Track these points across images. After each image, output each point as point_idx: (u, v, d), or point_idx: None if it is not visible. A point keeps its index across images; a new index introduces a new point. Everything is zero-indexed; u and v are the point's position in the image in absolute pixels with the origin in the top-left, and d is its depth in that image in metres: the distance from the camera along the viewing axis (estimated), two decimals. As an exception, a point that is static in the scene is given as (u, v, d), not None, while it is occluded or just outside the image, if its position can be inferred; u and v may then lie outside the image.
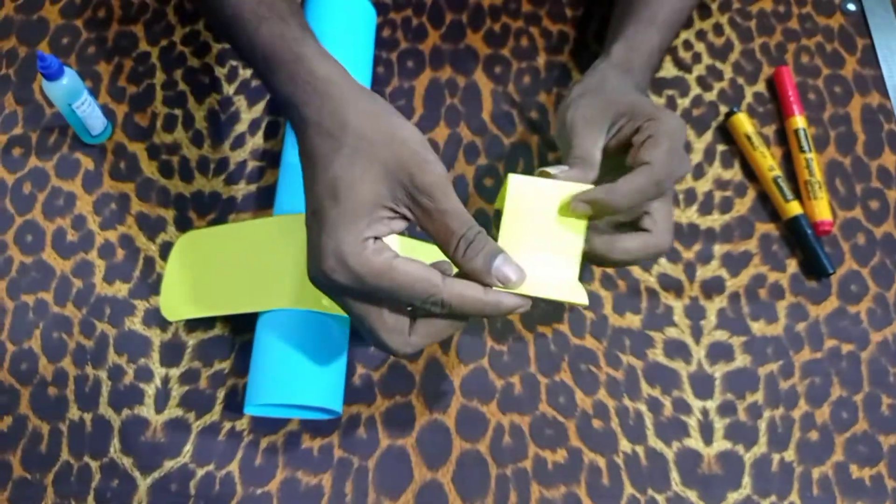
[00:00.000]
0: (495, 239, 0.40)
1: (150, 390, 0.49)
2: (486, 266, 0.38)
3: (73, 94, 0.51)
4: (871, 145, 0.60)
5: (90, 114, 0.53)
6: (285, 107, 0.41)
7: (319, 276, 0.37)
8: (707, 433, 0.49)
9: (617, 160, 0.45)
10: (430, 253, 0.52)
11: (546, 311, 0.52)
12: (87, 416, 0.48)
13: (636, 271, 0.54)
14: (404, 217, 0.38)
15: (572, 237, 0.42)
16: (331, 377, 0.46)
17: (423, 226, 0.38)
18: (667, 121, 0.43)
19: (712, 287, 0.54)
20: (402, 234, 0.53)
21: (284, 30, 0.41)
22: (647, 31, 0.51)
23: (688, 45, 0.63)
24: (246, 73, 0.60)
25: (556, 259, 0.42)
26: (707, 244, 0.55)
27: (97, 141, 0.56)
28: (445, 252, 0.38)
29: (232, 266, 0.50)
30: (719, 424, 0.50)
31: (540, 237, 0.42)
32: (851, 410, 0.51)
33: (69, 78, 0.51)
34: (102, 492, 0.46)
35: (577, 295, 0.41)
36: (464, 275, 0.39)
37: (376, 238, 0.37)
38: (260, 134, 0.57)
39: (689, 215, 0.56)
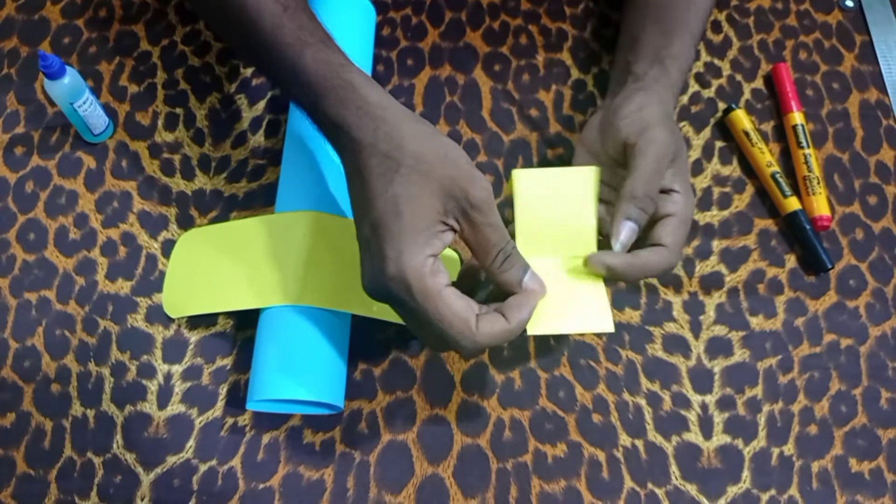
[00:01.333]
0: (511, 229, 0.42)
1: (152, 387, 0.49)
2: (518, 278, 0.41)
3: (74, 94, 0.52)
4: (870, 141, 0.60)
5: (92, 113, 0.54)
6: (332, 129, 0.41)
7: (378, 284, 0.39)
8: (706, 427, 0.50)
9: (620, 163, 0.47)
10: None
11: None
12: (90, 413, 0.48)
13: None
14: (453, 229, 0.40)
15: (585, 215, 0.44)
16: (332, 373, 0.46)
17: (465, 237, 0.40)
18: (689, 205, 0.46)
19: (711, 282, 0.54)
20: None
21: (329, 55, 0.42)
22: (691, 50, 0.52)
23: (686, 43, 0.63)
24: (246, 72, 0.60)
25: (574, 248, 0.44)
26: (706, 240, 0.55)
27: (99, 140, 0.56)
28: (482, 261, 0.41)
29: (234, 263, 0.50)
30: (719, 419, 0.50)
31: (554, 222, 0.44)
32: (850, 404, 0.51)
33: (70, 77, 0.51)
34: (106, 487, 0.47)
35: (602, 323, 0.43)
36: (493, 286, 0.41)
37: (434, 257, 0.39)
38: (261, 132, 0.58)
39: (688, 211, 0.56)
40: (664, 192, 0.46)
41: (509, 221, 0.43)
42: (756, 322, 0.53)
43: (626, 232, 0.44)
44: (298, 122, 0.53)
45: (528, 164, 0.58)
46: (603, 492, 0.47)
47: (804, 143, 0.57)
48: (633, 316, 0.53)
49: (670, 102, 0.49)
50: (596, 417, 0.49)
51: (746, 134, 0.58)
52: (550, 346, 0.51)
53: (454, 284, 0.40)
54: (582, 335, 0.52)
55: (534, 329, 0.42)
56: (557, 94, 0.60)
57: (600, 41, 0.63)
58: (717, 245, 0.55)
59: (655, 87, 0.49)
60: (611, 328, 0.42)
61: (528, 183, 0.44)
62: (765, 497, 0.48)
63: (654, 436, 0.49)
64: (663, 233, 0.45)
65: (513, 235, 0.44)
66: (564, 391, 0.50)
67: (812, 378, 0.51)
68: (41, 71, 0.50)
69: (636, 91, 0.49)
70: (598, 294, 0.44)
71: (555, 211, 0.44)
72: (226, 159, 0.57)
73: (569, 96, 0.60)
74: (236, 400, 0.49)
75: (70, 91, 0.51)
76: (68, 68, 0.51)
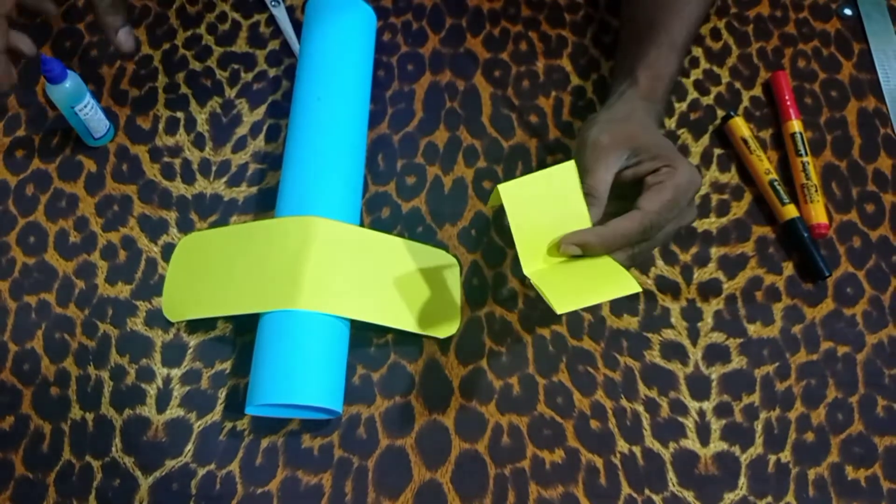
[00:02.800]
0: (504, 244, 0.42)
1: (151, 390, 0.49)
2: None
3: (75, 97, 0.52)
4: (867, 149, 0.60)
5: (92, 117, 0.54)
6: None
7: None
8: (704, 434, 0.50)
9: (629, 189, 0.47)
10: (431, 255, 0.53)
11: (545, 312, 0.52)
12: (89, 416, 0.49)
13: (633, 273, 0.54)
14: None
15: (575, 208, 0.45)
16: (331, 377, 0.46)
17: None
18: (682, 173, 0.46)
19: (709, 289, 0.54)
20: (402, 236, 0.54)
21: None
22: (670, 57, 0.53)
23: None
24: (248, 76, 0.60)
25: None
26: (704, 247, 0.56)
27: (99, 143, 0.56)
28: None
29: (233, 267, 0.50)
30: (716, 425, 0.50)
31: (548, 223, 0.44)
32: (847, 412, 0.51)
33: (72, 81, 0.51)
34: (104, 491, 0.47)
35: (627, 285, 0.42)
36: None
37: None
38: (261, 137, 0.58)
39: (687, 218, 0.57)
40: (654, 171, 0.46)
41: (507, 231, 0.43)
42: (754, 329, 0.53)
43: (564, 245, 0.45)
44: (299, 127, 0.53)
45: (527, 169, 0.58)
46: (600, 498, 0.48)
47: (802, 151, 0.58)
48: (631, 322, 0.53)
49: (638, 109, 0.50)
50: (594, 424, 0.50)
51: (745, 141, 0.58)
52: (549, 352, 0.51)
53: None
54: (580, 340, 0.52)
55: (561, 307, 0.39)
56: (557, 101, 0.61)
57: (600, 48, 0.63)
58: (715, 252, 0.56)
59: (618, 102, 0.51)
60: (637, 288, 0.41)
61: (514, 194, 0.44)
62: (761, 504, 0.48)
63: (651, 442, 0.49)
64: (642, 197, 0.45)
65: (512, 247, 0.44)
66: (562, 397, 0.50)
67: (809, 385, 0.52)
68: (42, 75, 0.50)
69: (603, 111, 0.51)
70: (611, 266, 0.44)
71: (546, 213, 0.45)
72: (226, 163, 0.57)
73: (568, 102, 0.61)
74: (235, 404, 0.49)
75: (71, 95, 0.51)
76: (69, 72, 0.51)
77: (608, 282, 0.42)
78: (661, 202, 0.45)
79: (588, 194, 0.46)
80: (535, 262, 0.44)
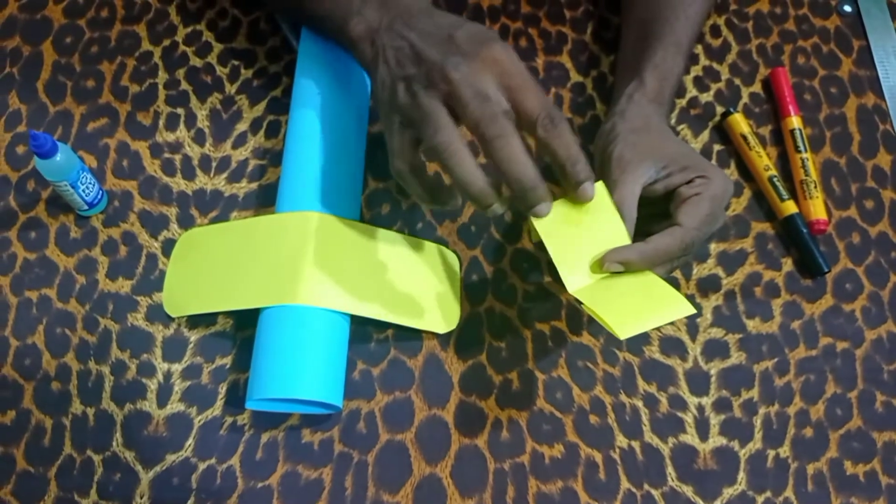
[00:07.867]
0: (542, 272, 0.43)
1: (152, 385, 0.49)
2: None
3: (67, 172, 0.49)
4: (867, 145, 0.60)
5: (89, 185, 0.51)
6: None
7: None
8: (703, 429, 0.50)
9: (662, 199, 0.47)
10: (432, 251, 0.53)
11: (545, 308, 0.53)
12: (90, 411, 0.49)
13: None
14: None
15: (612, 225, 0.45)
16: (331, 372, 0.46)
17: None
18: (716, 182, 0.46)
19: (708, 285, 0.54)
20: (402, 232, 0.54)
21: None
22: (676, 57, 0.52)
23: (685, 46, 0.63)
24: (248, 72, 0.60)
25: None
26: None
27: (91, 213, 0.54)
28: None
29: (234, 262, 0.50)
30: (715, 420, 0.50)
31: (587, 245, 0.44)
32: (846, 407, 0.51)
33: (63, 155, 0.48)
34: (105, 485, 0.47)
35: (683, 309, 0.41)
36: None
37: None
38: (261, 133, 0.58)
39: (686, 214, 0.57)
40: (687, 182, 0.46)
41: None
42: (753, 325, 0.53)
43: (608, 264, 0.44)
44: (299, 123, 0.53)
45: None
46: (599, 492, 0.48)
47: (802, 147, 0.58)
48: (630, 318, 0.53)
49: (653, 116, 0.50)
50: (593, 418, 0.50)
51: (744, 138, 0.58)
52: (548, 347, 0.52)
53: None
54: (579, 336, 0.52)
55: (624, 332, 0.40)
56: (557, 97, 0.61)
57: (600, 44, 0.63)
58: (714, 248, 0.56)
59: (629, 108, 0.50)
60: (693, 310, 0.41)
61: (546, 219, 0.44)
62: (760, 499, 0.48)
63: (650, 437, 0.49)
64: (680, 212, 0.45)
65: (555, 271, 0.44)
66: (562, 392, 0.50)
67: (808, 381, 0.52)
68: (32, 151, 0.47)
69: (610, 117, 0.51)
70: (658, 283, 0.44)
71: (581, 232, 0.45)
72: (226, 159, 0.57)
73: (568, 99, 0.61)
74: (235, 399, 0.49)
75: (63, 169, 0.49)
76: (60, 145, 0.48)
77: (663, 303, 0.42)
78: (700, 217, 0.45)
79: (617, 203, 0.45)
80: (577, 280, 0.44)
